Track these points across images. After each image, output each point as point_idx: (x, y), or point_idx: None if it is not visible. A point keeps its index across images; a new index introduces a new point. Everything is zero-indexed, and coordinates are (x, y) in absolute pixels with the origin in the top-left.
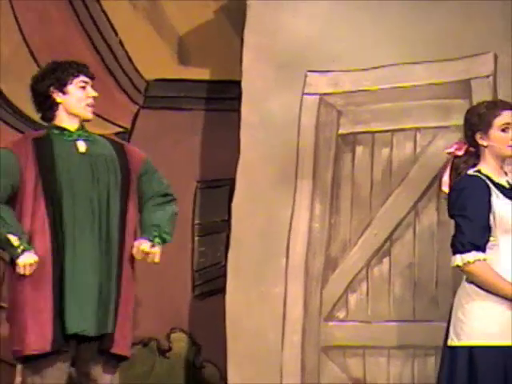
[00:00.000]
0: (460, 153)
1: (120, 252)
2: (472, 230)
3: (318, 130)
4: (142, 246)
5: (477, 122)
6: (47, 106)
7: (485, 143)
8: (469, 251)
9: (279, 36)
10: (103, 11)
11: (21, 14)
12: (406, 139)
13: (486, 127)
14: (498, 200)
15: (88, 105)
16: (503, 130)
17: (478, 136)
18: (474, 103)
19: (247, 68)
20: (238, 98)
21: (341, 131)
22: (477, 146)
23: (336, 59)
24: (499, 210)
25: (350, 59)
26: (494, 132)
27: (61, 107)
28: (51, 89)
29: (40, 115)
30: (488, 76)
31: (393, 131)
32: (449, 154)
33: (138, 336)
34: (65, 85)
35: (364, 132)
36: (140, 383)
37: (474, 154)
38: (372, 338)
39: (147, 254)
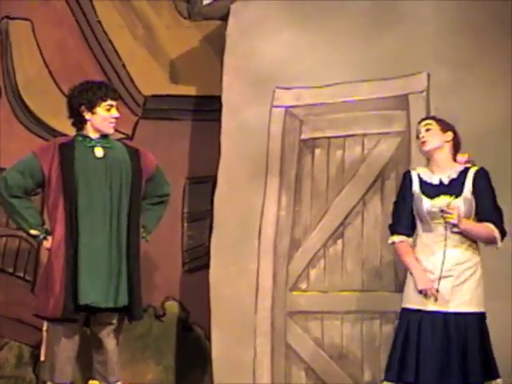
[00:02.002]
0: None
1: (128, 239)
2: (395, 217)
3: (284, 135)
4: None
5: None
6: (77, 119)
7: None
8: (392, 234)
9: (252, 59)
10: (109, 40)
11: (42, 42)
12: (355, 143)
13: None
14: (416, 192)
15: (111, 123)
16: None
17: None
18: (411, 114)
19: (226, 85)
20: (219, 110)
21: (302, 137)
22: None
23: (299, 77)
24: (415, 200)
25: (309, 78)
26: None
27: (88, 122)
28: (82, 107)
29: (71, 122)
30: (422, 91)
31: (345, 137)
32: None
33: None
34: (94, 106)
35: (321, 137)
36: (140, 342)
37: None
38: (328, 305)
39: None
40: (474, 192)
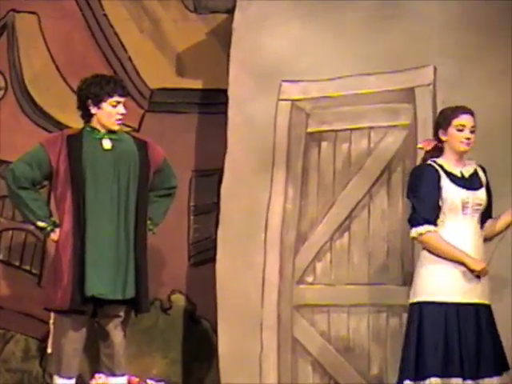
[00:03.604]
0: (428, 148)
1: (135, 231)
2: (423, 207)
3: (291, 129)
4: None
5: (441, 121)
6: (84, 112)
7: (444, 138)
8: (421, 225)
9: (259, 53)
10: (115, 33)
11: (48, 35)
12: (362, 136)
13: (446, 125)
14: (446, 184)
15: (116, 119)
16: (459, 130)
17: (440, 132)
18: (418, 107)
19: (233, 79)
20: (225, 103)
21: (309, 130)
22: (441, 141)
23: (305, 71)
24: (446, 192)
25: (316, 71)
26: (452, 130)
27: (95, 116)
28: (89, 101)
29: (80, 114)
30: (429, 85)
31: (351, 130)
32: (420, 148)
33: None
34: (100, 101)
35: (328, 131)
36: (146, 335)
37: (439, 148)
38: (335, 298)
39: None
40: (487, 186)
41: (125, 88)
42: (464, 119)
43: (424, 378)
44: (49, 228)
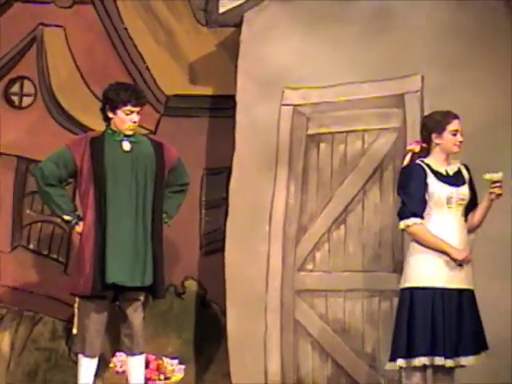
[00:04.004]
0: (417, 149)
1: (152, 225)
2: (411, 202)
3: (292, 131)
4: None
5: (433, 125)
6: (104, 115)
7: (438, 141)
8: (409, 218)
9: (263, 63)
10: (134, 45)
11: (73, 47)
12: (356, 138)
13: (440, 130)
14: (432, 181)
15: (129, 127)
16: (453, 134)
17: (433, 136)
18: (407, 112)
19: (240, 86)
20: (233, 108)
21: (309, 132)
22: (428, 142)
23: (305, 79)
24: (432, 188)
25: (315, 79)
26: (447, 135)
27: (111, 120)
28: (106, 106)
29: (102, 117)
30: (417, 91)
31: (347, 132)
32: (410, 150)
33: None
34: (115, 108)
35: (326, 133)
36: (162, 318)
37: (426, 149)
38: (332, 284)
39: None
40: (470, 183)
41: (140, 98)
42: (457, 124)
43: (414, 357)
44: (73, 221)
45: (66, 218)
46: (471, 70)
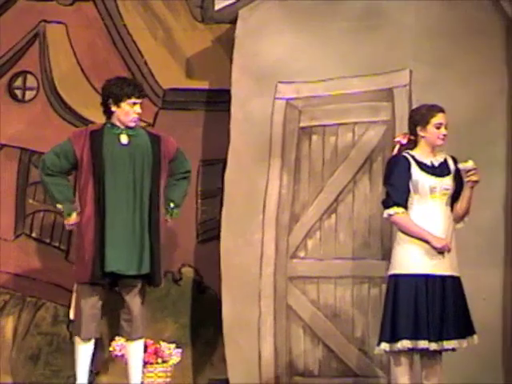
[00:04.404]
0: (404, 141)
1: (150, 215)
2: (394, 192)
3: (285, 124)
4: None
5: (418, 118)
6: (106, 110)
7: (422, 134)
8: (391, 207)
9: (258, 58)
10: (133, 40)
11: (75, 43)
12: (347, 131)
13: (425, 123)
14: (415, 171)
15: (132, 118)
16: (437, 128)
17: (418, 129)
18: (396, 105)
19: (235, 80)
20: (228, 101)
21: (301, 125)
22: (415, 135)
23: (298, 74)
24: (415, 179)
25: (307, 74)
26: (431, 128)
27: (114, 114)
28: (110, 100)
29: (102, 111)
30: (405, 86)
31: (338, 125)
32: (397, 142)
33: None
34: (119, 101)
35: (318, 125)
36: (159, 303)
37: (413, 141)
38: (323, 271)
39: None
40: (455, 174)
41: (142, 91)
42: (441, 118)
43: (397, 341)
44: (65, 212)
45: (58, 206)
46: (458, 65)
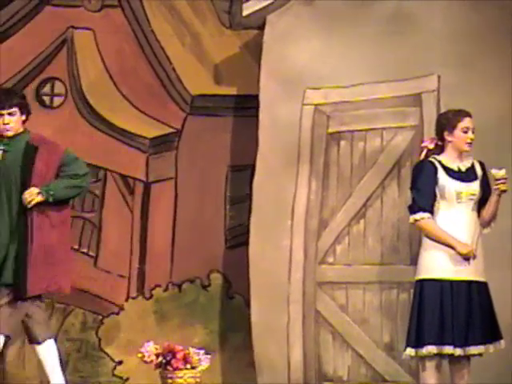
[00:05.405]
0: (431, 146)
1: (26, 222)
2: (419, 197)
3: (313, 129)
4: (31, 189)
5: (445, 123)
6: None
7: (449, 139)
8: (417, 212)
9: (286, 63)
10: (161, 47)
11: (102, 49)
12: (375, 136)
13: (452, 128)
14: (442, 176)
15: (3, 129)
16: (464, 132)
17: (445, 134)
18: (424, 110)
19: (263, 86)
20: (257, 107)
21: (329, 130)
22: (442, 140)
23: (326, 79)
24: (442, 184)
25: (335, 79)
26: (458, 133)
27: None
28: None
29: None
30: (433, 91)
31: (366, 130)
32: (423, 147)
33: (187, 276)
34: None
35: (346, 131)
36: (188, 309)
37: (441, 146)
38: (352, 276)
39: (30, 195)
40: (483, 179)
41: (7, 102)
42: (468, 122)
43: (422, 346)
44: None
45: None
46: (484, 70)
